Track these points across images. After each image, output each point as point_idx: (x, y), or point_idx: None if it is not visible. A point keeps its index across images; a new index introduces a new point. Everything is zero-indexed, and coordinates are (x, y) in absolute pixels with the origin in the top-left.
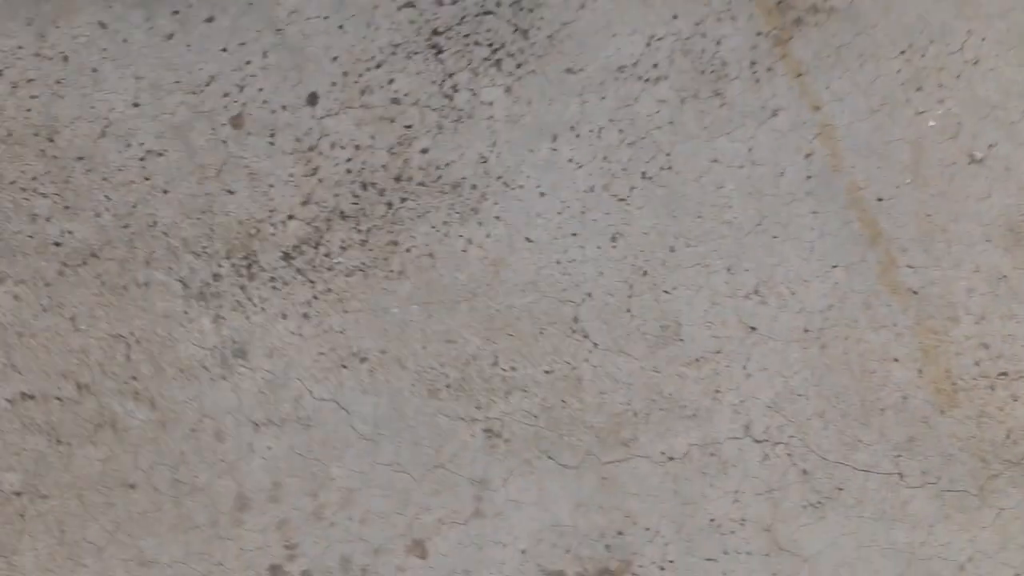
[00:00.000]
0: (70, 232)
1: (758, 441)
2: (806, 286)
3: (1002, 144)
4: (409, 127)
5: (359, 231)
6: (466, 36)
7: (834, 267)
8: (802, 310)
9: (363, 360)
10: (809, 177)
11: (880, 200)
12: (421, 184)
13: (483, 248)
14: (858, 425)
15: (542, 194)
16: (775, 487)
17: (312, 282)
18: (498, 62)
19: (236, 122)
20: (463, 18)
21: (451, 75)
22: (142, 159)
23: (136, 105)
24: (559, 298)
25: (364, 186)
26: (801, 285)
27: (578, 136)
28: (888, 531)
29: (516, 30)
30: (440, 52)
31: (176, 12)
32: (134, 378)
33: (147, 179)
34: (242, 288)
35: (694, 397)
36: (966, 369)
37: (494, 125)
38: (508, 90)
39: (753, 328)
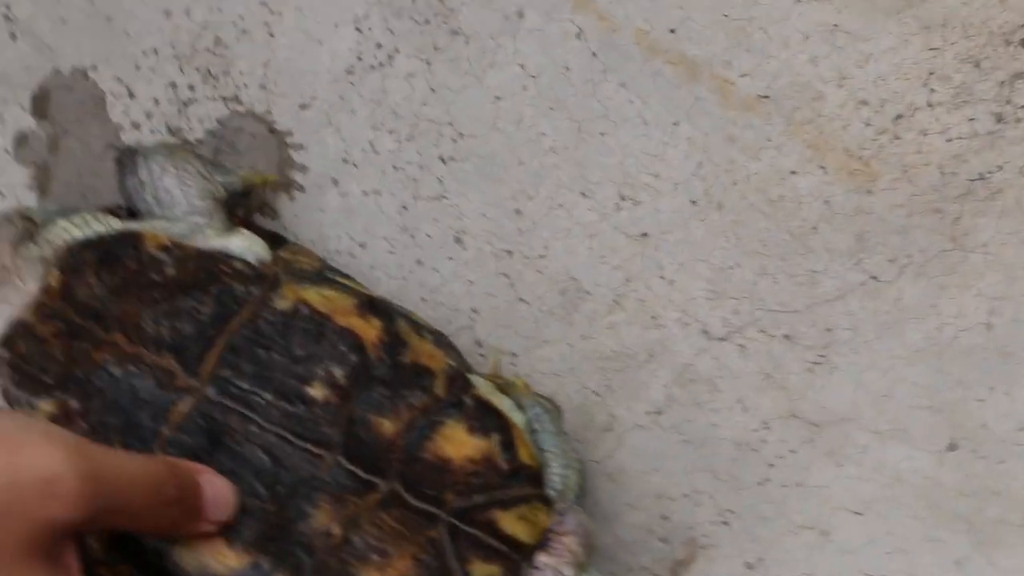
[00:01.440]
0: None
1: (723, 339)
2: (663, 160)
3: None
4: None
5: None
6: None
7: (675, 124)
8: (676, 185)
9: None
10: (594, 54)
11: (672, 31)
12: None
13: None
14: (801, 258)
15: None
16: (769, 371)
17: None
18: None
19: None
20: None
21: None
22: None
23: None
24: (447, 327)
25: None
26: (658, 163)
27: (355, 165)
28: (900, 338)
29: None
30: None
31: None
32: None
33: None
34: None
35: (636, 339)
36: (862, 136)
37: None
38: None
39: (644, 234)
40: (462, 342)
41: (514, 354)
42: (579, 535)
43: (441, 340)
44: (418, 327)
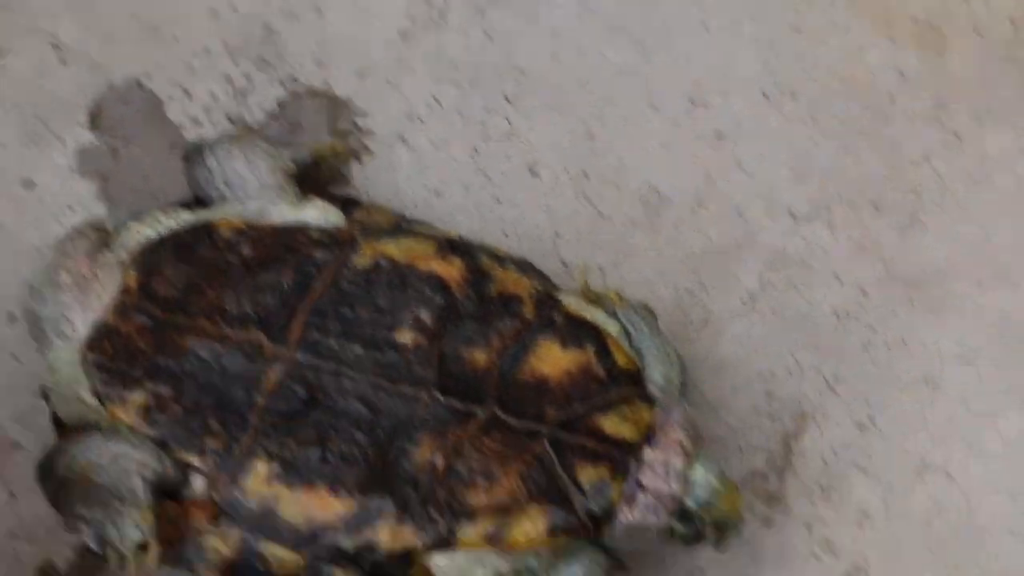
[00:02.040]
0: None
1: (810, 218)
2: (730, 63)
3: None
4: None
5: None
6: None
7: (738, 25)
8: (746, 82)
9: None
10: None
11: None
12: None
13: None
14: (881, 127)
15: None
16: (860, 241)
17: None
18: None
19: None
20: None
21: None
22: None
23: None
24: (532, 256)
25: None
26: (725, 66)
27: (421, 120)
28: (989, 189)
29: None
30: None
31: None
32: None
33: None
34: None
35: (723, 234)
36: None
37: None
38: None
39: (719, 134)
40: (548, 266)
41: (601, 269)
42: (685, 426)
43: (525, 266)
44: (500, 259)
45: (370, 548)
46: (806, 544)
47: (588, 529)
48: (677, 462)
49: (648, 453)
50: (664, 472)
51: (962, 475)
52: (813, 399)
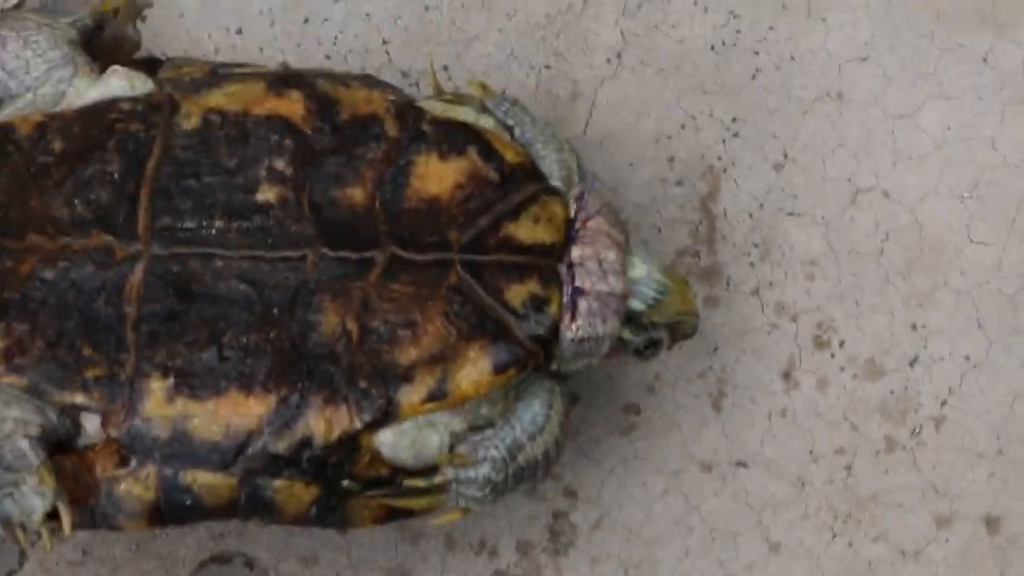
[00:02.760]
0: None
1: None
2: None
3: None
4: None
5: None
6: None
7: None
8: None
9: None
10: None
11: None
12: None
13: None
14: None
15: None
16: None
17: None
18: None
19: None
20: None
21: None
22: None
23: None
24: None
25: None
26: None
27: None
28: None
29: None
30: None
31: None
32: None
33: None
34: None
35: None
36: None
37: None
38: None
39: None
40: (387, 79)
41: (446, 67)
42: (605, 212)
43: (371, 81)
44: (340, 79)
45: (305, 444)
46: (759, 315)
47: (536, 354)
48: (610, 255)
49: (575, 251)
50: (599, 269)
51: (898, 188)
52: (717, 150)
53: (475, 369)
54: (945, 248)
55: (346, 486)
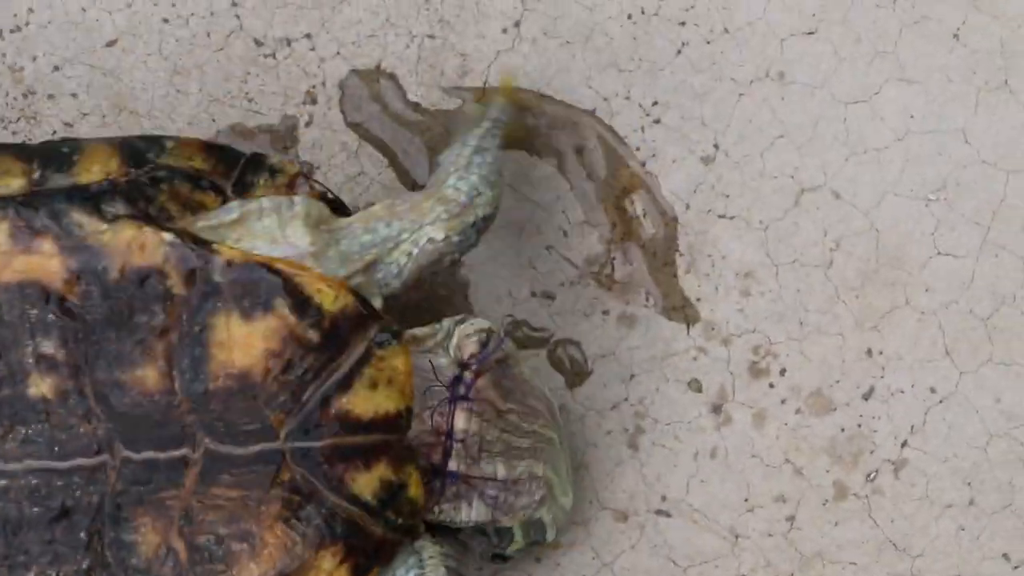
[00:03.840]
0: None
1: None
2: None
3: None
4: None
5: None
6: None
7: None
8: None
9: None
10: None
11: None
12: None
13: None
14: None
15: None
16: None
17: None
18: None
19: None
20: None
21: None
22: None
23: None
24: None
25: None
26: None
27: None
28: None
29: None
30: None
31: None
32: None
33: None
34: None
35: None
36: None
37: None
38: None
39: None
40: (238, 48)
41: (309, 37)
42: (500, 374)
43: (137, 188)
44: (98, 197)
45: None
46: (684, 337)
47: (399, 543)
48: (491, 433)
49: (459, 422)
50: (477, 452)
51: (851, 188)
52: (635, 139)
53: None
54: (906, 260)
55: None
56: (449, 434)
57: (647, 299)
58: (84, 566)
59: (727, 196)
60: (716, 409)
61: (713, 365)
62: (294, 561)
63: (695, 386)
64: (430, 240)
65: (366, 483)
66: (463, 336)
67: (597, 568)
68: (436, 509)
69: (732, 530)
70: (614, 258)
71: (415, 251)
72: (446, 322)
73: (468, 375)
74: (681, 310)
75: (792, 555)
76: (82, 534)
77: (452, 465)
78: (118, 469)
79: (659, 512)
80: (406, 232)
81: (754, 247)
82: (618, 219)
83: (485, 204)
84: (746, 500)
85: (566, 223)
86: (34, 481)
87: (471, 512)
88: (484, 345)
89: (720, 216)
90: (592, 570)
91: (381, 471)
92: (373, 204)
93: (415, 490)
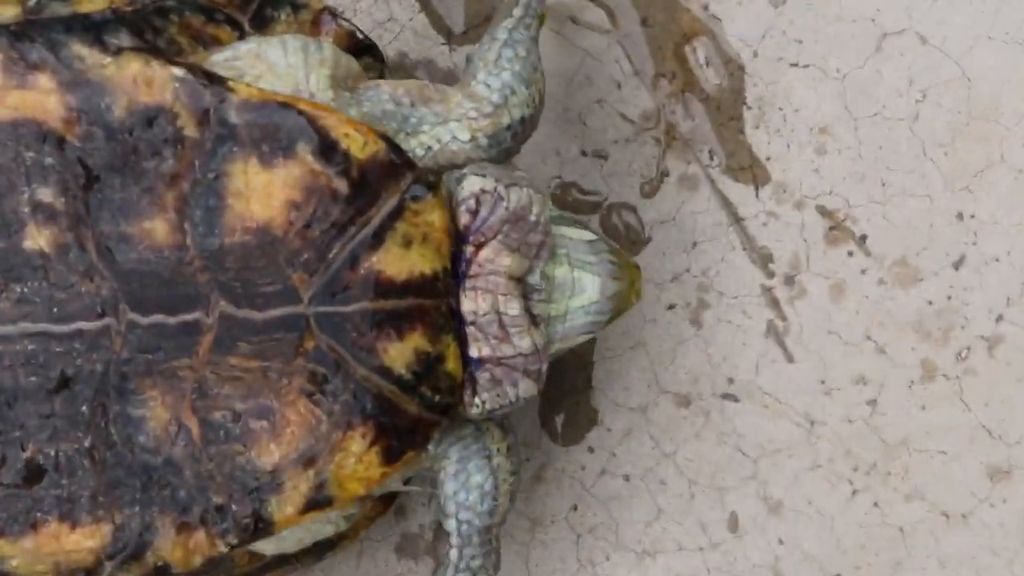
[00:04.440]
0: None
1: None
2: None
3: None
4: None
5: None
6: None
7: None
8: None
9: None
10: None
11: None
12: None
13: None
14: None
15: None
16: None
17: None
18: None
19: None
20: None
21: None
22: None
23: None
24: None
25: None
26: None
27: None
28: None
29: None
30: None
31: None
32: None
33: None
34: None
35: None
36: None
37: None
38: None
39: None
40: None
41: None
42: (508, 227)
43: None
44: (103, 28)
45: (162, 572)
46: (752, 200)
47: (436, 424)
48: (512, 306)
49: (466, 304)
50: (499, 329)
51: (939, 31)
52: None
53: (360, 464)
54: (1002, 111)
55: None
56: (457, 317)
57: (711, 158)
58: (86, 444)
59: (800, 42)
60: (789, 281)
61: (785, 231)
62: (319, 442)
63: (765, 255)
64: (454, 139)
65: (399, 354)
66: (456, 204)
67: (657, 459)
68: (477, 402)
69: (807, 416)
70: (672, 112)
71: (434, 146)
72: (445, 177)
73: (468, 250)
74: (749, 170)
75: (874, 443)
76: (84, 408)
77: (473, 351)
78: (123, 334)
79: (725, 396)
80: (427, 124)
81: (831, 99)
82: (678, 68)
83: (521, 104)
84: (823, 383)
85: (619, 73)
86: (31, 347)
87: (517, 392)
88: (475, 213)
89: (792, 64)
90: (651, 460)
91: (416, 341)
92: (404, 52)
93: (453, 363)
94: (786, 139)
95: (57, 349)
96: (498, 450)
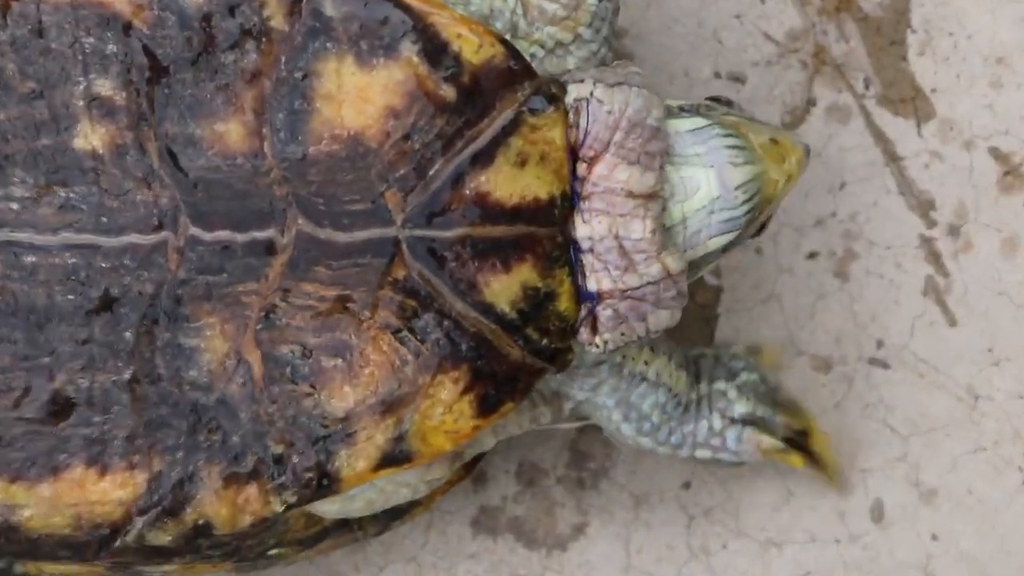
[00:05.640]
0: None
1: None
2: None
3: None
4: None
5: None
6: None
7: None
8: None
9: None
10: None
11: None
12: None
13: None
14: None
15: None
16: None
17: None
18: None
19: None
20: None
21: None
22: None
23: None
24: None
25: None
26: None
27: None
28: None
29: None
30: None
31: None
32: None
33: None
34: None
35: None
36: None
37: None
38: None
39: None
40: None
41: None
42: (623, 135)
43: None
44: None
45: (203, 533)
46: (913, 137)
47: (542, 371)
48: (634, 227)
49: (580, 229)
50: (619, 258)
51: None
52: None
53: (449, 414)
54: None
55: (275, 555)
56: (570, 247)
57: (866, 87)
58: (126, 376)
59: None
60: (953, 231)
61: (951, 175)
62: (402, 386)
63: (926, 201)
64: (558, 44)
65: (503, 288)
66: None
67: None
68: (598, 341)
69: (970, 389)
70: (824, 31)
71: (539, 54)
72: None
73: (581, 167)
74: (911, 102)
75: None
76: (127, 334)
77: (592, 284)
78: (182, 251)
79: (873, 362)
80: (535, 28)
81: (1010, 24)
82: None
83: None
84: (990, 351)
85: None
86: (71, 260)
87: (647, 326)
88: (577, 125)
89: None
90: None
91: (524, 274)
92: None
93: (566, 303)
94: (956, 69)
95: (102, 264)
96: (646, 362)
